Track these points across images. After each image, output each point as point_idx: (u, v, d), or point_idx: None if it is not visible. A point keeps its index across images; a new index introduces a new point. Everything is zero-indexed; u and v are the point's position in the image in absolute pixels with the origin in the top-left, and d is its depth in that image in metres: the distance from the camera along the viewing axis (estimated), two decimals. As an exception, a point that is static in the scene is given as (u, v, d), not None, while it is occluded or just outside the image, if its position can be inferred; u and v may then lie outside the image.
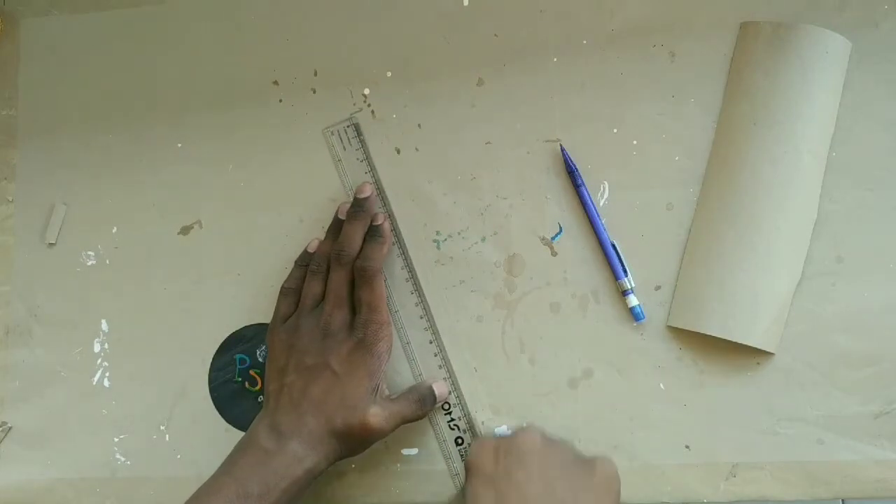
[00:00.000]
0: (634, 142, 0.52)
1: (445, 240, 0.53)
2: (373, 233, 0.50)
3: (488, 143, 0.53)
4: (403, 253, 0.53)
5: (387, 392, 0.48)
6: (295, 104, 0.55)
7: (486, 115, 0.53)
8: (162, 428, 0.53)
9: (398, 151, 0.54)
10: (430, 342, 0.52)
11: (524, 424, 0.50)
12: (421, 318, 0.52)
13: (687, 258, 0.50)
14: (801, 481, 0.48)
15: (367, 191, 0.51)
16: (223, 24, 0.56)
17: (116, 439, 0.54)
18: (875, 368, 0.48)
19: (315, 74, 0.55)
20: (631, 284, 0.50)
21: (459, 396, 0.51)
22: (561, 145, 0.52)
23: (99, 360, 0.55)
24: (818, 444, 0.48)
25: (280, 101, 0.55)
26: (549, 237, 0.52)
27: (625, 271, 0.50)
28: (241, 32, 0.56)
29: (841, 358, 0.48)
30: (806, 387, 0.49)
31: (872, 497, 0.47)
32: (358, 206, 0.50)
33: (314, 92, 0.55)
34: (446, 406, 0.51)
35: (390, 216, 0.53)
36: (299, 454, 0.45)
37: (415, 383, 0.51)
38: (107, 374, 0.55)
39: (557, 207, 0.52)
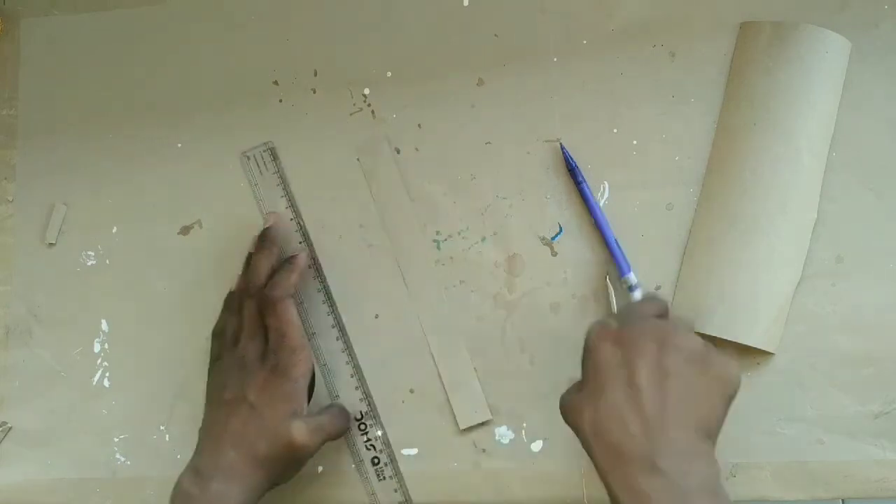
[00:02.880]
0: (634, 142, 0.52)
1: (445, 240, 0.53)
2: (284, 263, 0.50)
3: (488, 143, 0.53)
4: (319, 274, 0.53)
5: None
6: (295, 104, 0.55)
7: (486, 115, 0.53)
8: (162, 428, 0.53)
9: (398, 151, 0.54)
10: (347, 363, 0.52)
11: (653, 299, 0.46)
12: (337, 339, 0.52)
13: (687, 258, 0.50)
14: (801, 481, 0.48)
15: (271, 220, 0.51)
16: (223, 24, 0.56)
17: (116, 439, 0.54)
18: (875, 368, 0.48)
19: (315, 74, 0.55)
20: (636, 280, 0.50)
21: (376, 416, 0.51)
22: (561, 143, 0.52)
23: (99, 360, 0.55)
24: (818, 444, 0.48)
25: (280, 101, 0.55)
26: (549, 237, 0.52)
27: (628, 266, 0.50)
28: (241, 32, 0.56)
29: (841, 358, 0.48)
30: (806, 387, 0.49)
31: (872, 497, 0.47)
32: (263, 237, 0.50)
33: (314, 92, 0.55)
34: (363, 427, 0.51)
35: (306, 238, 0.53)
36: (222, 492, 0.44)
37: (333, 406, 0.51)
38: (107, 374, 0.55)
39: (557, 207, 0.52)
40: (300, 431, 0.46)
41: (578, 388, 0.42)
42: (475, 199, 0.53)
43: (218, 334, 0.51)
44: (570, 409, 0.42)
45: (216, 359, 0.50)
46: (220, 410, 0.47)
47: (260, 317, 0.48)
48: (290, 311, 0.48)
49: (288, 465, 0.47)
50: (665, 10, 0.52)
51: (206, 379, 0.53)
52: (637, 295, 0.49)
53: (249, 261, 0.51)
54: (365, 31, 0.55)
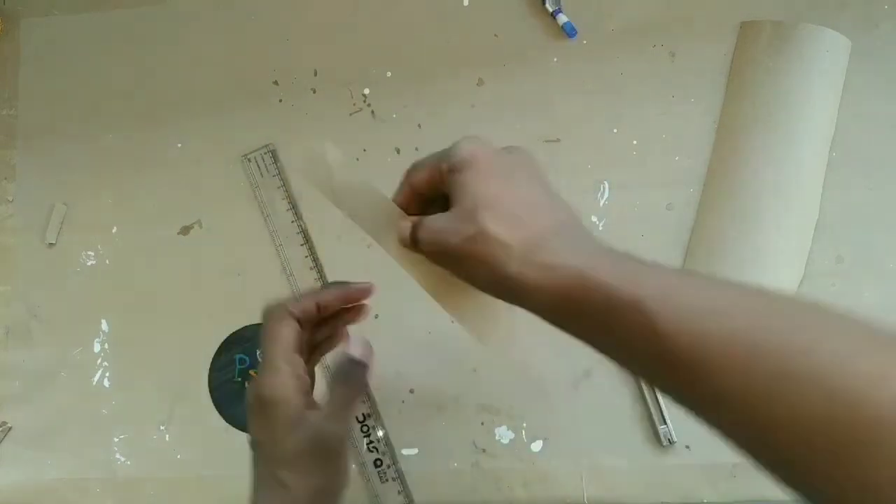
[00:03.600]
0: (634, 142, 0.52)
1: (445, 240, 0.53)
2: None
3: (488, 143, 0.53)
4: (320, 275, 0.53)
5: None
6: (295, 104, 0.55)
7: (486, 115, 0.53)
8: (162, 428, 0.53)
9: (398, 151, 0.54)
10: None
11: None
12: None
13: (689, 258, 0.50)
14: (802, 481, 0.48)
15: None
16: (223, 25, 0.56)
17: (116, 439, 0.54)
18: (875, 368, 0.48)
19: (315, 74, 0.55)
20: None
21: (378, 417, 0.51)
22: None
23: (99, 360, 0.55)
24: (818, 444, 0.48)
25: (280, 101, 0.55)
26: (549, 237, 0.52)
27: None
28: (241, 32, 0.56)
29: (841, 358, 0.48)
30: (806, 387, 0.49)
31: (872, 497, 0.47)
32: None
33: (314, 92, 0.55)
34: (365, 428, 0.51)
35: (307, 238, 0.53)
36: None
37: (331, 370, 0.45)
38: (107, 374, 0.54)
39: (557, 207, 0.52)
40: (308, 442, 0.37)
41: (453, 219, 0.35)
42: (475, 199, 0.53)
43: None
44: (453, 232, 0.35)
45: None
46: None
47: None
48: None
49: (334, 468, 0.38)
50: (665, 10, 0.52)
51: (206, 379, 0.53)
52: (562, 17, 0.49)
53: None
54: (365, 31, 0.55)
